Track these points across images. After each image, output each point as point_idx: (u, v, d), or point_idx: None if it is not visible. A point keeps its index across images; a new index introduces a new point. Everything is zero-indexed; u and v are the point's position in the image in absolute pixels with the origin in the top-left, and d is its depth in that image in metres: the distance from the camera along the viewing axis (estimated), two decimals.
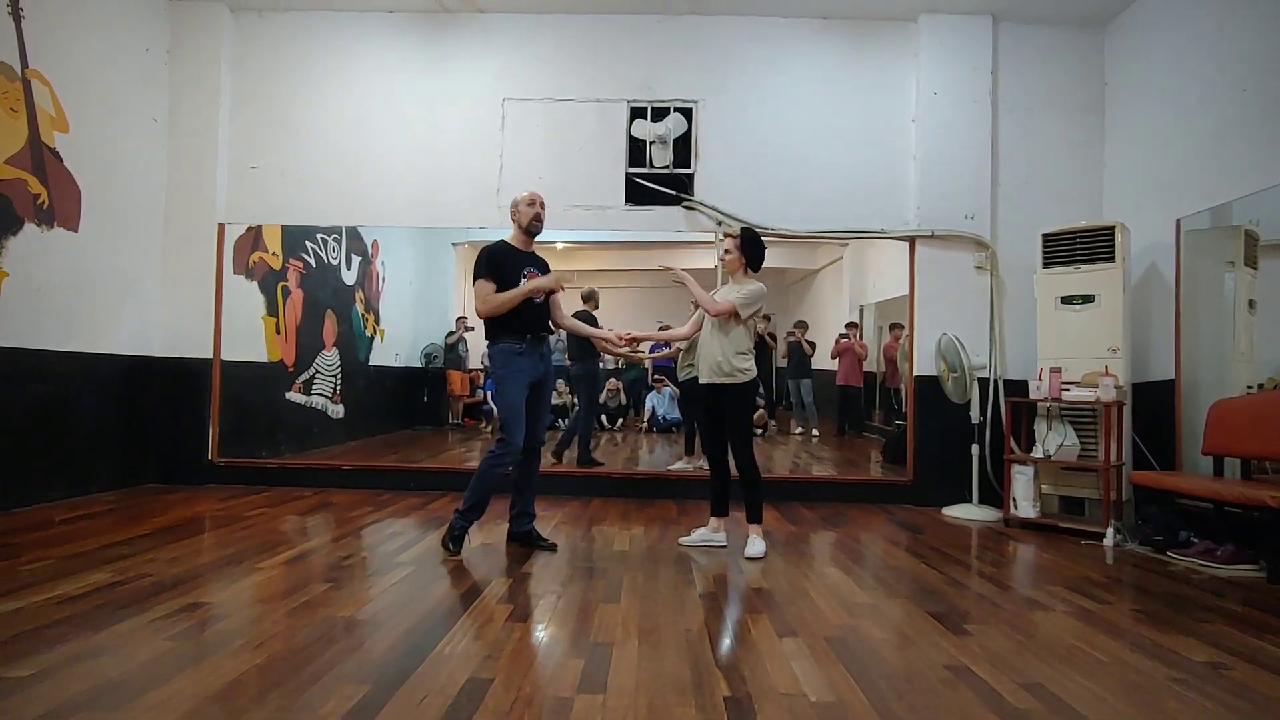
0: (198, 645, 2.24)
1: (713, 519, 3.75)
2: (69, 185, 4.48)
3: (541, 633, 2.44)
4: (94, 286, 4.69)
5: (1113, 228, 4.48)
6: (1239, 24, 4.11)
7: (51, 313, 4.37)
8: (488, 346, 3.51)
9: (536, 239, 3.61)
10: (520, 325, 3.44)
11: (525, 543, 3.61)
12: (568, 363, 6.62)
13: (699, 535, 3.74)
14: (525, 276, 3.45)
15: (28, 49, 4.18)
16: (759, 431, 9.04)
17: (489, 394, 9.37)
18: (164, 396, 5.19)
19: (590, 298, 6.53)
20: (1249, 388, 4.13)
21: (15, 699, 1.82)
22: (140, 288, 5.09)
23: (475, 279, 3.40)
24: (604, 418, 9.40)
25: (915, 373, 5.20)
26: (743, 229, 3.59)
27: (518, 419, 3.39)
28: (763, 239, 3.67)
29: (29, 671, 1.98)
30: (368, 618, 2.52)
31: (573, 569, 3.25)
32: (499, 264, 3.43)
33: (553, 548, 3.58)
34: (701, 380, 3.62)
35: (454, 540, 3.39)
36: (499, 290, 3.38)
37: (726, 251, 3.62)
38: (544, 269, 3.59)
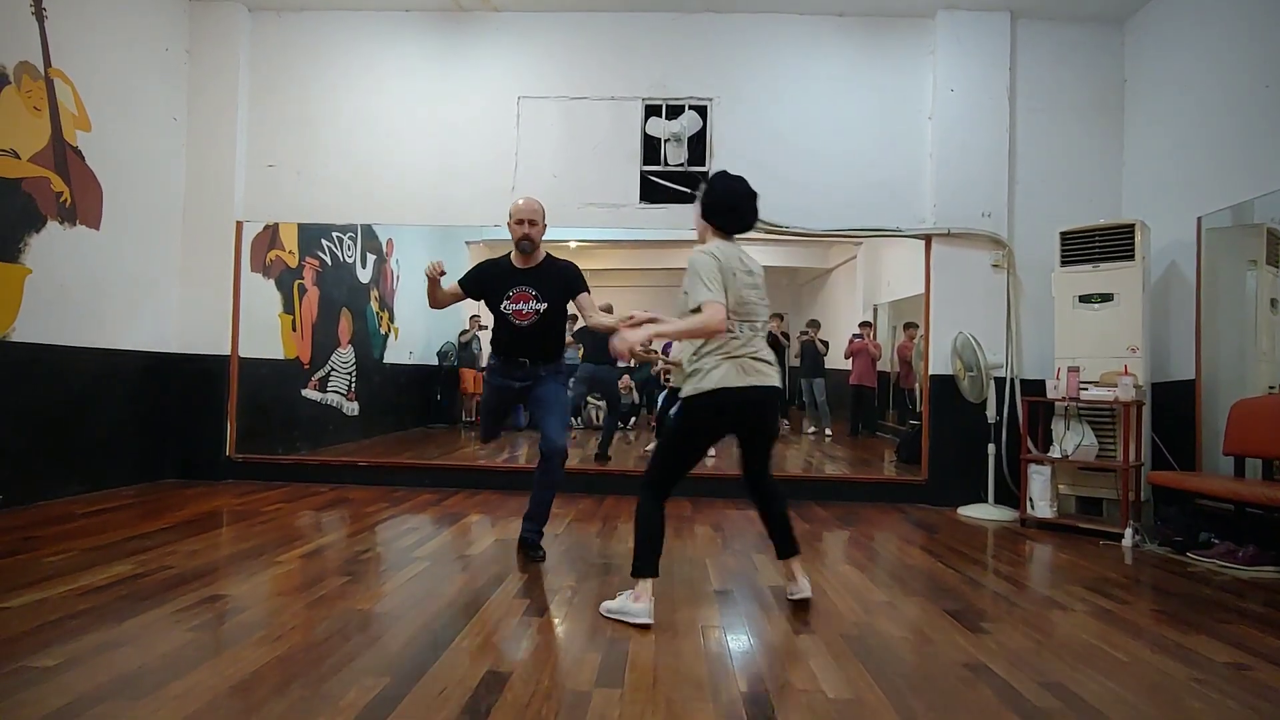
0: (218, 637, 2.27)
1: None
2: (91, 183, 4.54)
3: (558, 627, 2.45)
4: (114, 284, 4.75)
5: (1132, 226, 4.44)
6: (1261, 20, 4.05)
7: (73, 309, 4.43)
8: None
9: (560, 243, 3.46)
10: (498, 345, 3.38)
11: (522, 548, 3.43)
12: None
13: None
14: (509, 298, 3.28)
15: (51, 48, 4.23)
16: None
17: None
18: (183, 393, 5.24)
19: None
20: (1271, 387, 4.08)
21: (42, 688, 1.85)
22: (159, 285, 5.15)
23: None
24: None
25: (931, 372, 5.17)
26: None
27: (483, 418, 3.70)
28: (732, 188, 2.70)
29: (54, 661, 2.00)
30: (385, 611, 2.54)
31: (588, 565, 3.26)
32: (481, 280, 3.35)
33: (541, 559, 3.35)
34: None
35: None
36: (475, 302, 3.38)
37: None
38: (545, 287, 3.30)
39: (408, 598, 2.70)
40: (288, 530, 3.77)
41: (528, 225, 3.26)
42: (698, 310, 2.45)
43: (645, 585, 2.52)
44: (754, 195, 2.68)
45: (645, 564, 2.54)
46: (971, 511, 4.80)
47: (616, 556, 3.41)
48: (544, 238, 3.36)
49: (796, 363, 9.99)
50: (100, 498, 4.42)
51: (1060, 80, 5.19)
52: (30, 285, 4.12)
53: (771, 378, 2.59)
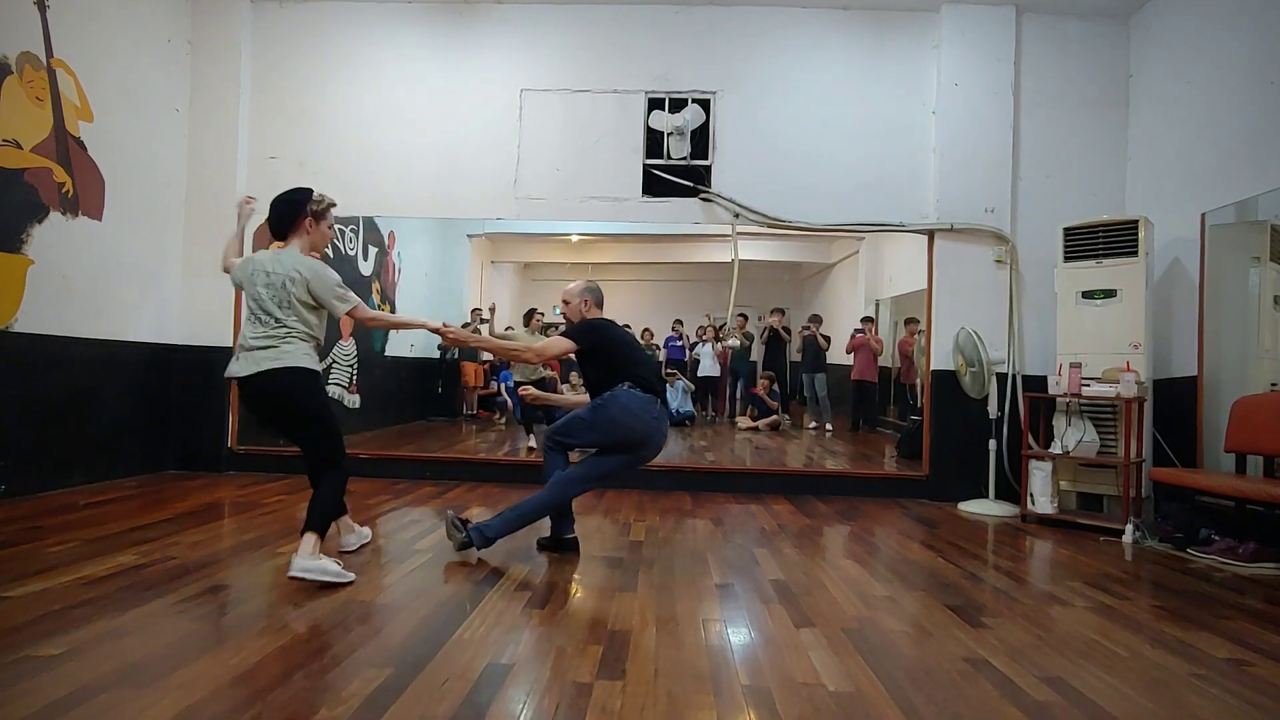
0: (220, 627, 2.28)
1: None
2: (93, 174, 4.53)
3: (559, 620, 2.46)
4: (117, 275, 4.74)
5: (1136, 222, 4.43)
6: (1267, 15, 4.03)
7: (75, 300, 4.43)
8: None
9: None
10: None
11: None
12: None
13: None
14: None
15: (52, 39, 4.22)
16: (759, 428, 9.03)
17: (502, 386, 9.44)
18: (185, 384, 5.24)
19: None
20: (1273, 385, 4.07)
21: (45, 677, 1.85)
22: (162, 277, 5.15)
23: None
24: None
25: (932, 367, 5.17)
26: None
27: None
28: (297, 202, 2.94)
29: (58, 651, 2.01)
30: (387, 603, 2.55)
31: (589, 558, 3.26)
32: None
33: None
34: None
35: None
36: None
37: None
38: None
39: (409, 589, 2.71)
40: (289, 522, 3.77)
41: (562, 302, 3.50)
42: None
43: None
44: (282, 201, 2.93)
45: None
46: (972, 507, 4.80)
47: (618, 550, 3.42)
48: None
49: (798, 357, 10.00)
50: (103, 488, 4.42)
51: (1065, 75, 5.17)
52: (32, 276, 4.12)
53: (260, 364, 2.79)
